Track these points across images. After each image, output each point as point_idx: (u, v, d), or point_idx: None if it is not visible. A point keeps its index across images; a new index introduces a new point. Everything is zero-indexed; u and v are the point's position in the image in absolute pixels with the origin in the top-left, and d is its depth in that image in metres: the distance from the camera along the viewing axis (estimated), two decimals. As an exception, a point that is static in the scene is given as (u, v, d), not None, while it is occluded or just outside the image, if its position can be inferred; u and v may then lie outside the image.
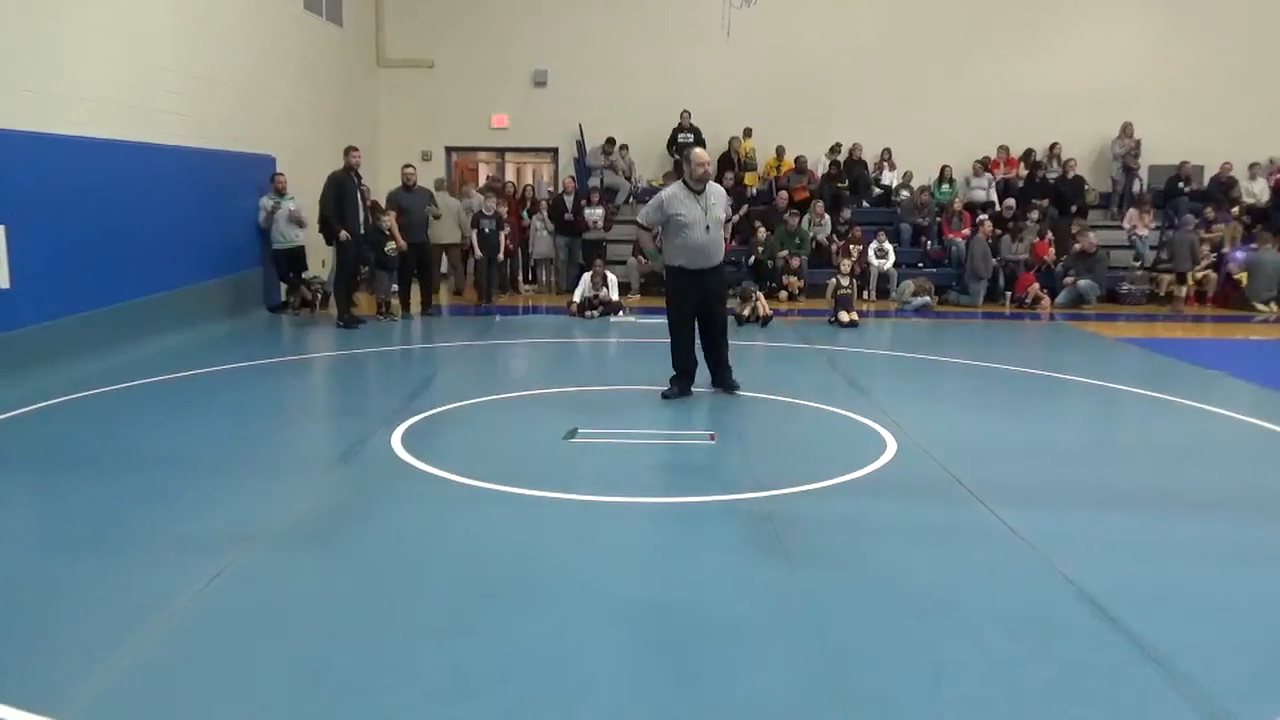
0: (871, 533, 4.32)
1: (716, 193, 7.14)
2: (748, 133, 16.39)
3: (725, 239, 7.21)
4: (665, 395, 7.11)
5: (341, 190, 10.78)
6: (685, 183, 7.08)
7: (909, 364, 9.20)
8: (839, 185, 15.94)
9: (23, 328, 7.44)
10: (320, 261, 13.01)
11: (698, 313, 7.17)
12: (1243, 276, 13.81)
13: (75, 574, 3.78)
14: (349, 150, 11.01)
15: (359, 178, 11.13)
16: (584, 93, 16.44)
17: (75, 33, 8.45)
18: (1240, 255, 14.06)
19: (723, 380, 7.32)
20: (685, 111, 16.03)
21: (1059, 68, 16.17)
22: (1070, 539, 4.23)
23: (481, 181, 17.56)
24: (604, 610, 3.47)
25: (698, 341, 7.29)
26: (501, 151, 18.18)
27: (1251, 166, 15.70)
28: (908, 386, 8.30)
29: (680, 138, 15.88)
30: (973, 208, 15.41)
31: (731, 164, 15.87)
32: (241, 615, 3.41)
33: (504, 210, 14.01)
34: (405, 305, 11.93)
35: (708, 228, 6.98)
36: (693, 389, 7.22)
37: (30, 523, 4.62)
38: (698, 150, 7.16)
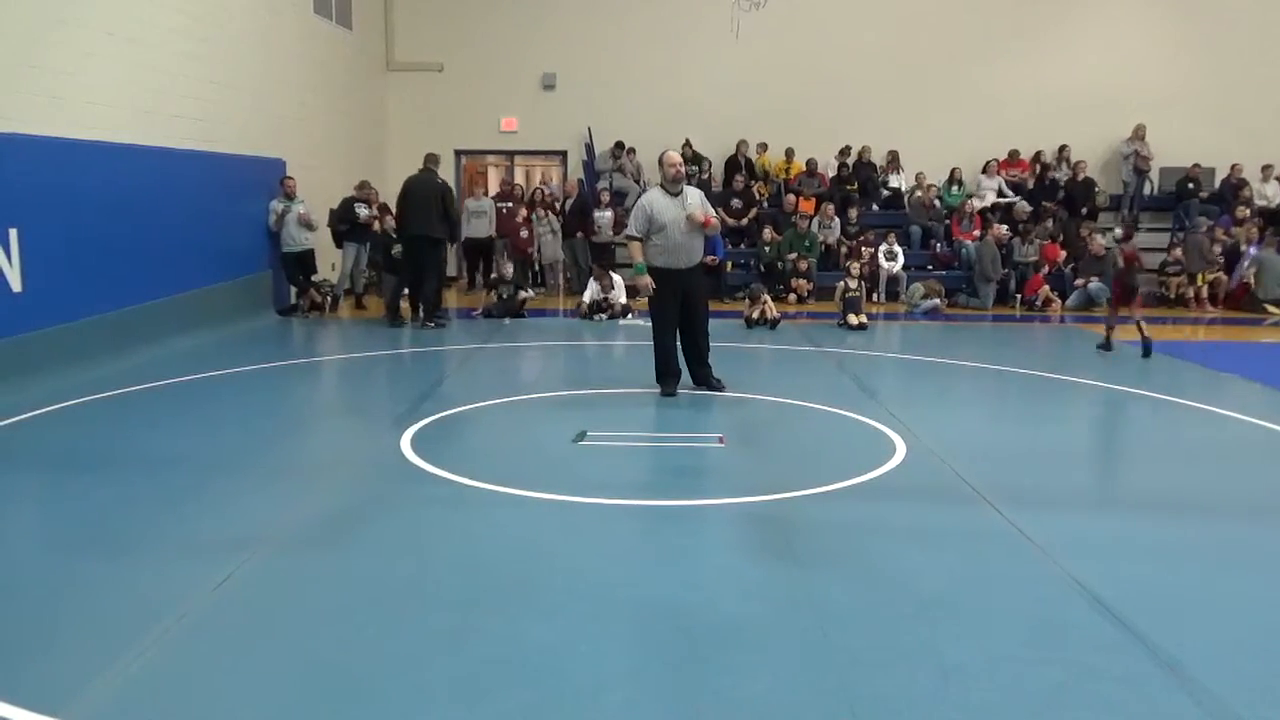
0: (880, 536, 4.31)
1: (693, 194, 7.30)
2: (763, 147, 16.40)
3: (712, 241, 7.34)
4: (664, 394, 7.25)
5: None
6: (662, 186, 7.26)
7: (918, 367, 9.18)
8: (848, 188, 15.93)
9: (35, 331, 7.48)
10: (330, 265, 13.07)
11: (680, 312, 7.29)
12: (1251, 277, 13.76)
13: (85, 576, 3.80)
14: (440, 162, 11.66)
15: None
16: (593, 96, 16.46)
17: (86, 37, 8.51)
18: (1253, 252, 13.99)
19: (704, 379, 7.42)
20: (686, 140, 15.64)
21: (1069, 70, 16.12)
22: (1080, 542, 4.21)
23: (493, 185, 17.64)
24: (613, 612, 3.47)
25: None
26: (510, 155, 18.22)
27: (1265, 168, 15.62)
28: (917, 389, 8.28)
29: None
30: (983, 210, 15.38)
31: (739, 167, 15.87)
32: (252, 618, 3.42)
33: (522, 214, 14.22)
34: (414, 308, 11.95)
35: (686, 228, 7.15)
36: (679, 390, 7.33)
37: (41, 525, 4.65)
38: (669, 153, 7.34)
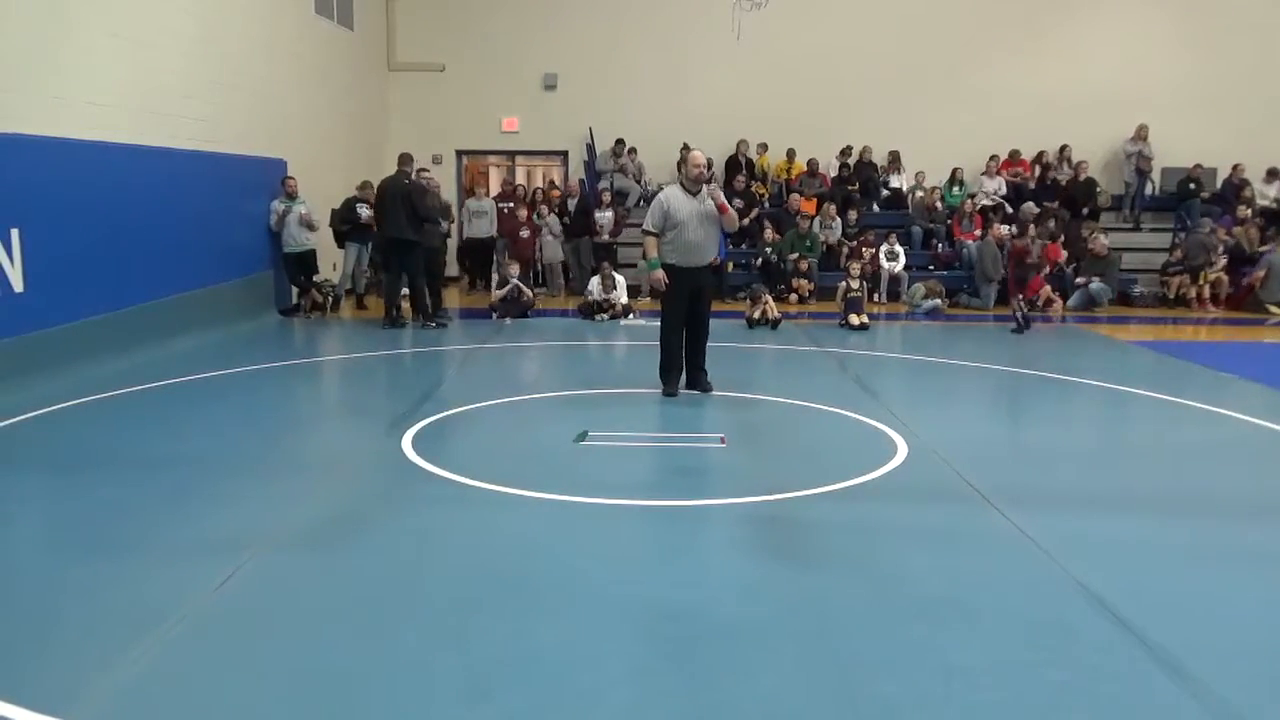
0: (882, 536, 4.31)
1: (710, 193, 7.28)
2: (764, 147, 16.38)
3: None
4: (667, 394, 7.24)
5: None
6: (682, 184, 7.26)
7: (919, 367, 9.18)
8: (849, 188, 15.92)
9: (36, 331, 7.48)
10: (331, 265, 13.07)
11: (686, 311, 7.29)
12: (1257, 278, 13.73)
13: (87, 576, 3.80)
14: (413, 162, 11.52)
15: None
16: (594, 96, 16.47)
17: (89, 38, 8.51)
18: (1270, 255, 13.91)
19: (698, 381, 7.42)
20: (685, 144, 15.72)
21: (1070, 70, 16.11)
22: (1082, 543, 4.20)
23: (495, 186, 17.64)
24: (615, 613, 3.47)
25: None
26: (512, 155, 18.22)
27: (1270, 171, 15.58)
28: (918, 389, 8.28)
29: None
30: (984, 210, 15.36)
31: (740, 167, 15.86)
32: (253, 617, 3.42)
33: (522, 215, 14.23)
34: (415, 309, 11.94)
35: (701, 227, 7.15)
36: (680, 390, 7.33)
37: (43, 525, 4.64)
38: (695, 153, 7.31)
